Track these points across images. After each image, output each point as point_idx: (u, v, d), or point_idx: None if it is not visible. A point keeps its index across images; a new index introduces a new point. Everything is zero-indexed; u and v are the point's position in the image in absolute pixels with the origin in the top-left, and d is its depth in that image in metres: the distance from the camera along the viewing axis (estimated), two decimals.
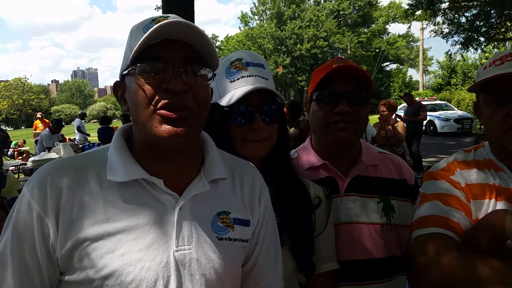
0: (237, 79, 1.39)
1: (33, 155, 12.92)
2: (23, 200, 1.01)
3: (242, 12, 52.96)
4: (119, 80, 1.12)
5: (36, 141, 14.01)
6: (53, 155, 9.64)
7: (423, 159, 11.11)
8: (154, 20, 1.03)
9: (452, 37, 19.71)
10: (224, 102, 1.37)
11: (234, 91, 1.37)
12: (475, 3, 17.60)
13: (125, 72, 1.05)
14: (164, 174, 1.06)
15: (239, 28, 53.42)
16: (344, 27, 47.10)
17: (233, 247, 1.12)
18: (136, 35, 1.03)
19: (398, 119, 7.94)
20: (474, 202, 1.41)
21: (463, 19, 19.20)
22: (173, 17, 1.02)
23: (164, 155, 1.07)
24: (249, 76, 1.39)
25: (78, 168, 1.06)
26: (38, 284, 1.00)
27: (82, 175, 1.04)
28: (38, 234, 0.99)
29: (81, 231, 0.98)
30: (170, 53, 1.00)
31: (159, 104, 0.99)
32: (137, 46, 0.97)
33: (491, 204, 1.39)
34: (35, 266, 0.99)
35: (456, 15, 18.82)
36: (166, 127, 0.99)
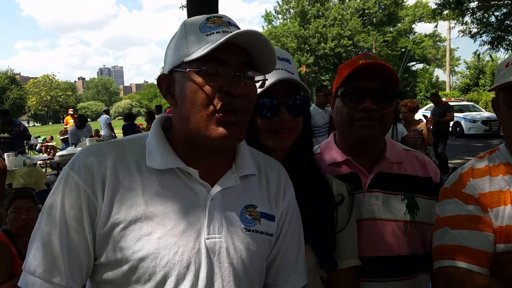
0: None
1: (60, 150, 13.24)
2: (69, 180, 1.04)
3: (266, 10, 52.98)
4: (164, 73, 1.14)
5: (63, 139, 14.31)
6: (79, 150, 9.84)
7: (449, 161, 10.91)
8: (209, 20, 1.06)
9: (480, 37, 19.28)
10: None
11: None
12: (506, 2, 17.15)
13: (178, 68, 1.06)
14: (198, 165, 1.10)
15: (263, 27, 53.46)
16: (369, 26, 46.50)
17: (259, 239, 1.14)
18: (193, 33, 1.05)
19: (423, 120, 7.80)
20: (491, 211, 1.38)
21: (492, 18, 18.74)
22: (226, 18, 1.08)
23: (202, 152, 1.11)
24: (276, 69, 1.40)
25: (119, 152, 1.10)
26: (85, 265, 1.04)
27: (123, 158, 1.09)
28: (86, 214, 1.02)
29: (120, 212, 1.03)
30: (230, 56, 1.03)
31: (219, 106, 1.02)
32: (204, 51, 0.99)
33: (507, 211, 1.35)
34: (84, 247, 1.03)
35: (485, 14, 18.39)
36: (222, 130, 1.02)
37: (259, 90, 1.36)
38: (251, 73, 1.07)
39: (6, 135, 9.42)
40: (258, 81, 1.11)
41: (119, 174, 1.06)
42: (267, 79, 1.37)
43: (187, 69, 1.04)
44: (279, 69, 1.41)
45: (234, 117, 1.03)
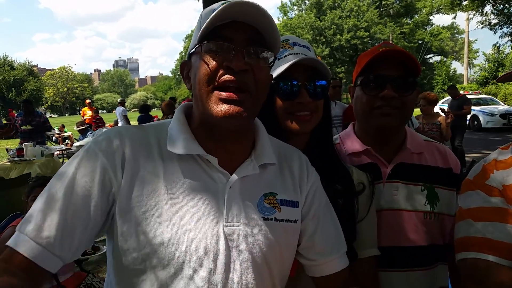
0: (284, 57, 1.42)
1: (77, 140, 13.42)
2: (89, 151, 1.05)
3: (281, 1, 52.60)
4: (186, 60, 1.17)
5: (80, 130, 14.43)
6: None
7: (466, 155, 10.76)
8: (224, 4, 1.05)
9: (501, 28, 18.89)
10: None
11: (281, 66, 1.39)
12: None
13: (192, 50, 1.09)
14: (217, 153, 1.10)
15: (278, 18, 53.16)
16: (386, 18, 45.96)
17: (279, 227, 1.14)
18: (206, 17, 1.06)
19: (440, 113, 7.68)
20: None
21: None
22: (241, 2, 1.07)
23: (218, 135, 1.11)
24: (296, 53, 1.42)
25: (142, 135, 1.11)
26: (77, 236, 1.00)
27: (146, 142, 1.10)
28: (98, 185, 1.01)
29: (142, 195, 1.03)
30: (234, 33, 1.04)
31: (219, 82, 1.02)
32: (204, 24, 1.01)
33: None
34: (82, 217, 1.00)
35: (506, 5, 17.97)
36: (223, 107, 1.02)
37: (278, 73, 1.37)
38: (258, 49, 1.05)
39: (28, 126, 9.58)
40: (271, 62, 1.10)
41: (141, 156, 1.07)
42: (277, 58, 1.35)
43: (196, 49, 1.07)
44: (299, 53, 1.42)
45: (234, 94, 1.01)
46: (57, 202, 0.99)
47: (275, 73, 1.38)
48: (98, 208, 1.02)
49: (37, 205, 1.00)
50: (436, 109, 8.62)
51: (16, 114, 9.96)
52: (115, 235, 1.04)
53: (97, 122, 15.26)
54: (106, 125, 15.17)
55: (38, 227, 0.97)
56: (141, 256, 1.02)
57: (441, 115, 7.40)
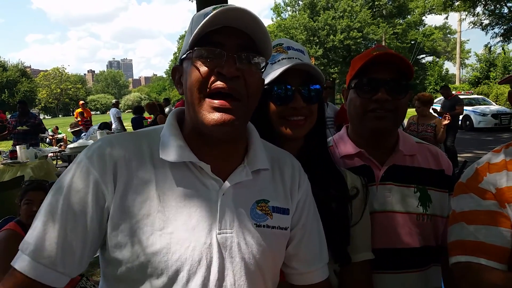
0: (278, 61, 1.42)
1: (71, 142, 13.34)
2: (81, 166, 1.04)
3: (275, 2, 52.75)
4: (178, 64, 1.16)
5: (73, 132, 14.34)
6: (90, 142, 9.91)
7: (458, 155, 10.82)
8: (215, 9, 1.05)
9: (492, 29, 19.05)
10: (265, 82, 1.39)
11: (275, 71, 1.39)
12: None
13: (184, 56, 1.09)
14: (210, 160, 1.09)
15: (272, 18, 53.23)
16: (379, 18, 46.16)
17: (271, 234, 1.14)
18: (197, 22, 1.05)
19: (433, 113, 7.70)
20: (509, 206, 1.34)
21: (505, 10, 18.47)
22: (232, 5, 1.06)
23: (211, 142, 1.10)
24: (290, 58, 1.42)
25: (135, 143, 1.10)
26: (79, 252, 1.01)
27: (138, 150, 1.09)
28: (92, 200, 1.01)
29: (134, 205, 1.02)
30: (226, 39, 1.03)
31: (210, 88, 1.02)
32: (196, 30, 1.01)
33: None
34: (80, 233, 1.00)
35: (497, 6, 18.12)
36: (215, 115, 1.01)
37: (272, 77, 1.37)
38: (249, 55, 1.05)
39: (24, 127, 9.51)
40: (262, 67, 1.09)
41: (133, 165, 1.05)
42: (268, 63, 1.36)
43: (187, 55, 1.06)
44: (293, 58, 1.42)
45: (226, 102, 1.01)
46: (54, 220, 0.99)
47: (269, 78, 1.38)
48: (94, 222, 1.02)
49: (37, 224, 1.00)
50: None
51: (9, 116, 9.85)
52: (108, 246, 1.03)
53: (86, 124, 15.22)
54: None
55: (39, 247, 0.98)
56: (135, 267, 1.01)
57: (436, 117, 7.42)
